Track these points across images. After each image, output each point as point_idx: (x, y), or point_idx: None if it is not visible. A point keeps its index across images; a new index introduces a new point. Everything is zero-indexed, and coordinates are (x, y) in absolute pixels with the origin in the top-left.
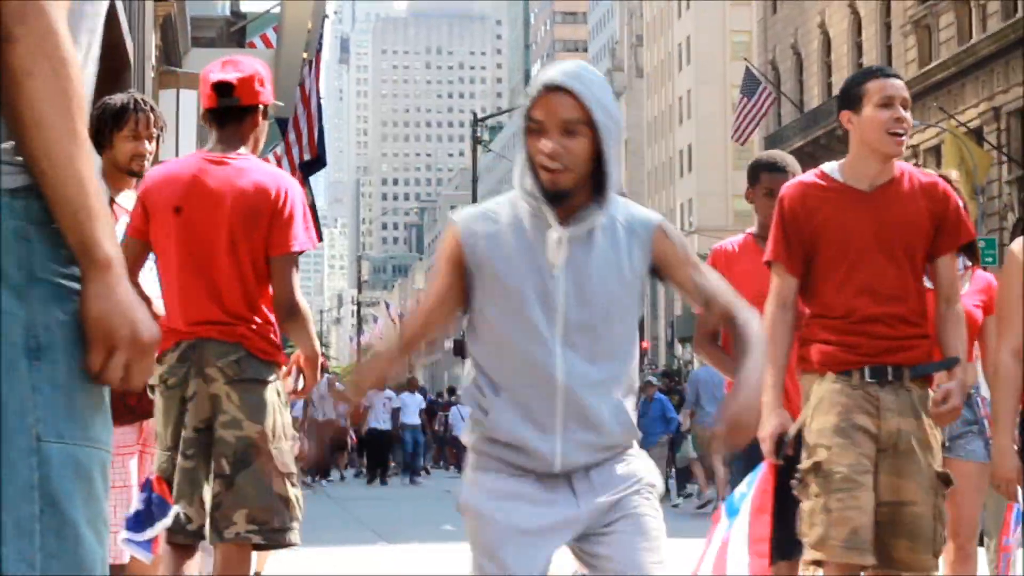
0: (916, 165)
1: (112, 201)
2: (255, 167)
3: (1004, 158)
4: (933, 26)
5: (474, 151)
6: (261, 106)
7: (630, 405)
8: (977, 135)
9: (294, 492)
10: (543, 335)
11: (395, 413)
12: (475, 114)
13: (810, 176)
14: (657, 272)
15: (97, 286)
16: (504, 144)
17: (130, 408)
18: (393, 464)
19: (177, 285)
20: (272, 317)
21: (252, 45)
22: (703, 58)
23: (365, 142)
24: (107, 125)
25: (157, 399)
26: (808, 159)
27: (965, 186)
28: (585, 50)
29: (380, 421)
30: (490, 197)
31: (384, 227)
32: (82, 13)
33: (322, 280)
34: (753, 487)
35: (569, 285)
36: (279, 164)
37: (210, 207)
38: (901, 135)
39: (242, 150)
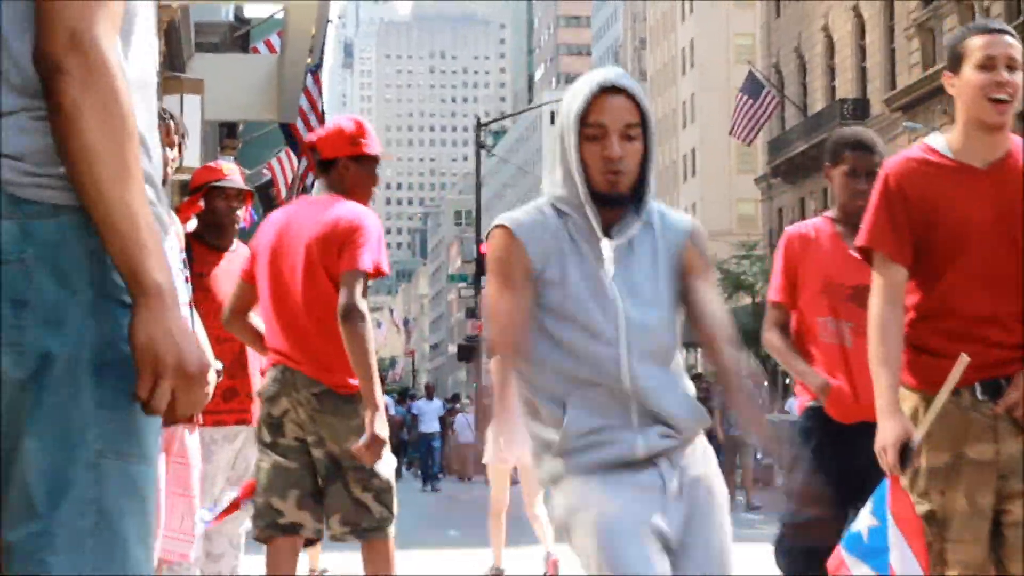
0: None
1: None
2: (337, 204)
3: None
4: (937, 28)
5: (477, 156)
6: (346, 157)
7: (692, 391)
8: None
9: (374, 497)
10: (607, 340)
11: (413, 420)
12: (479, 118)
13: (916, 151)
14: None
15: (145, 313)
16: (508, 148)
17: None
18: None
19: (270, 315)
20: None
21: (256, 50)
22: (706, 62)
23: None
24: None
25: (258, 405)
26: (811, 163)
27: None
28: (588, 53)
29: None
30: (494, 202)
31: (388, 232)
32: (134, 16)
33: None
34: (888, 516)
35: (623, 291)
36: (282, 170)
37: (293, 243)
38: (1004, 101)
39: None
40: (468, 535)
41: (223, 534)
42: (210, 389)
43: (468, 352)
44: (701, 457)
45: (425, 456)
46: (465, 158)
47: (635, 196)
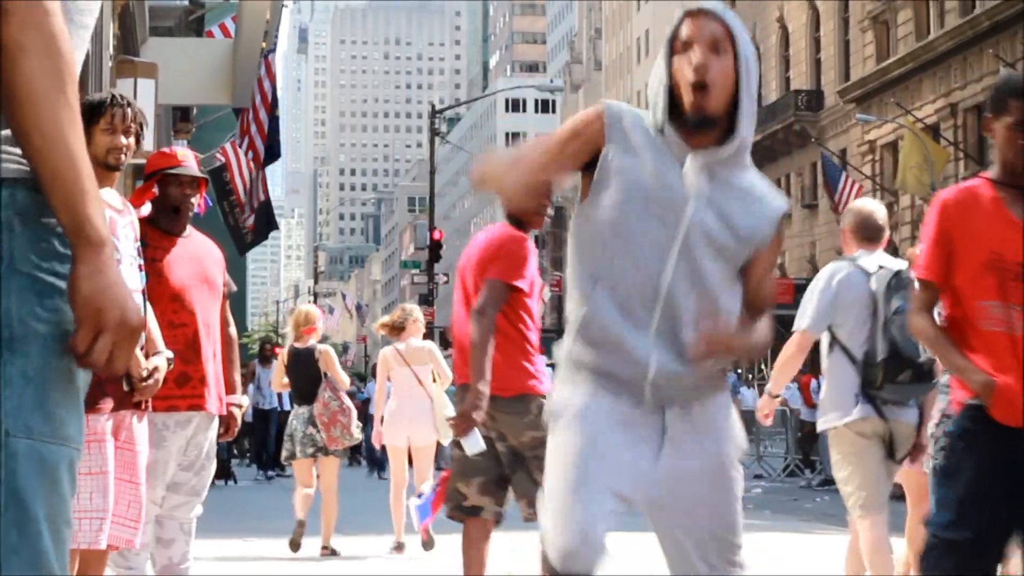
0: (872, 161)
1: None
2: (500, 230)
3: (961, 155)
4: (891, 22)
5: (432, 142)
6: None
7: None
8: (934, 131)
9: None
10: (654, 262)
11: (363, 405)
12: (433, 105)
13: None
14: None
15: (88, 265)
16: (462, 135)
17: (106, 394)
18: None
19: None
20: (521, 359)
21: (210, 35)
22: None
23: (323, 132)
24: (84, 118)
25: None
26: (765, 152)
27: (922, 182)
28: (544, 42)
29: None
30: (447, 188)
31: (341, 218)
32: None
33: (279, 271)
34: None
35: (693, 219)
36: (235, 155)
37: (468, 265)
38: None
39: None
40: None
41: (174, 519)
42: (160, 375)
43: (445, 338)
44: (721, 420)
45: (367, 440)
46: (419, 144)
47: (731, 122)
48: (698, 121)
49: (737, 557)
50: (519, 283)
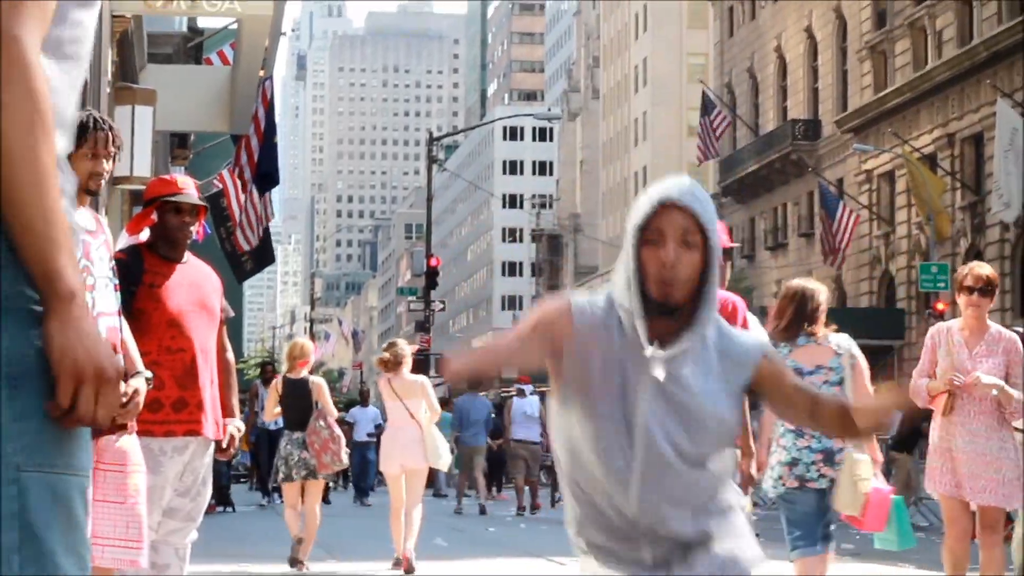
0: (869, 191)
1: None
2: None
3: (957, 184)
4: (889, 52)
5: (429, 170)
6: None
7: (716, 500)
8: (931, 161)
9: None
10: (620, 465)
11: (347, 429)
12: (431, 133)
13: None
14: (756, 391)
15: (59, 319)
16: (460, 163)
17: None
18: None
19: None
20: None
21: (209, 62)
22: (659, 80)
23: (320, 159)
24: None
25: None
26: (762, 183)
27: (923, 206)
28: (542, 70)
29: None
30: (445, 216)
31: (338, 244)
32: (63, 21)
33: (275, 297)
34: None
35: (655, 414)
36: (233, 182)
37: None
38: None
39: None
40: (455, 543)
41: (170, 544)
42: (140, 399)
43: (417, 365)
44: (725, 532)
45: (359, 467)
46: (417, 172)
47: (692, 312)
48: (664, 308)
49: None
50: None
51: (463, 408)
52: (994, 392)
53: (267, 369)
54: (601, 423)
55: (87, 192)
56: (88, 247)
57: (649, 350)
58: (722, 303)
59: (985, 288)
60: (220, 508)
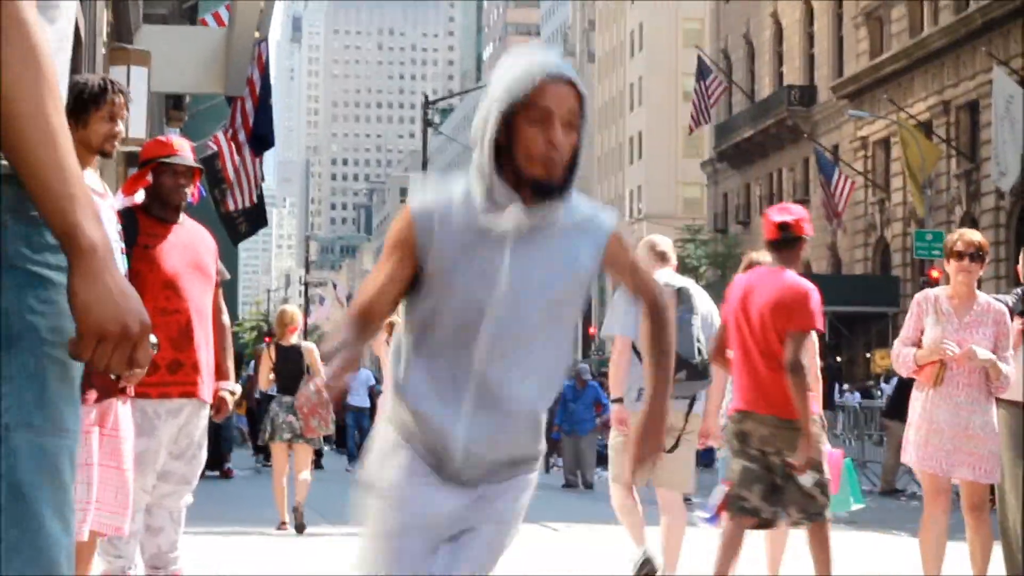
0: (864, 157)
1: None
2: (785, 278)
3: (953, 152)
4: (885, 18)
5: (424, 133)
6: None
7: (543, 417)
8: (926, 128)
9: (820, 491)
10: (473, 337)
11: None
12: (426, 96)
13: None
14: (607, 269)
15: (83, 274)
16: (455, 127)
17: (92, 385)
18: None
19: (739, 364)
20: (785, 389)
21: (204, 23)
22: (655, 45)
23: (315, 122)
24: (85, 105)
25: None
26: (757, 149)
27: (913, 179)
28: (537, 34)
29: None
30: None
31: (333, 207)
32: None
33: (270, 259)
34: None
35: (511, 286)
36: (228, 143)
37: (753, 307)
38: None
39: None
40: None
41: (164, 508)
42: (146, 363)
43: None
44: (515, 492)
45: (353, 431)
46: (412, 135)
47: (561, 187)
48: (543, 187)
49: None
50: (817, 327)
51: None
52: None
53: (267, 337)
54: (456, 301)
55: (102, 154)
56: (98, 209)
57: (506, 223)
58: (802, 291)
59: (976, 254)
60: (215, 472)
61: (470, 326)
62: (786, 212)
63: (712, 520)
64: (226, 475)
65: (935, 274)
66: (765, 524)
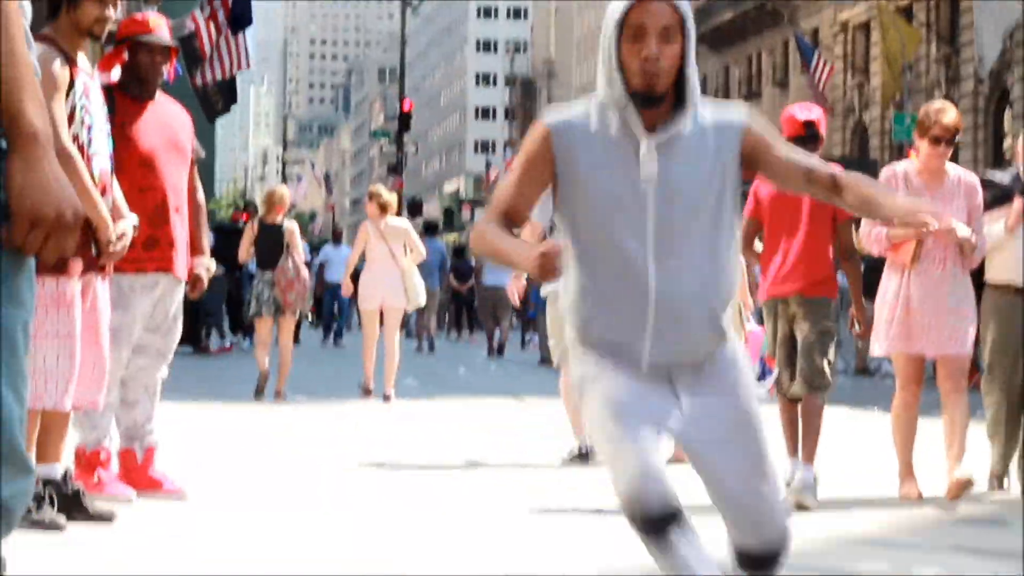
0: (844, 41)
1: (73, 62)
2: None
3: (933, 37)
4: None
5: (403, 14)
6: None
7: (726, 311)
8: (907, 12)
9: (825, 363)
10: (634, 246)
11: (320, 269)
12: None
13: None
14: (750, 164)
15: (22, 159)
16: (433, 8)
17: (75, 257)
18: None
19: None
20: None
21: None
22: None
23: (294, 2)
24: None
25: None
26: (737, 32)
27: (894, 64)
28: None
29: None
30: (418, 61)
31: (311, 87)
32: None
33: (247, 138)
34: None
35: (659, 194)
36: (206, 23)
37: (793, 199)
38: None
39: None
40: (426, 384)
41: (139, 381)
42: (127, 240)
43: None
44: (731, 374)
45: (330, 308)
46: (391, 16)
47: (677, 97)
48: (646, 100)
49: (774, 483)
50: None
51: None
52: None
53: (244, 215)
54: (610, 216)
55: (91, 36)
56: (88, 89)
57: (644, 138)
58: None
59: (951, 139)
60: (188, 348)
61: (622, 233)
62: (809, 110)
63: (762, 384)
64: (203, 350)
65: (913, 156)
66: (795, 400)
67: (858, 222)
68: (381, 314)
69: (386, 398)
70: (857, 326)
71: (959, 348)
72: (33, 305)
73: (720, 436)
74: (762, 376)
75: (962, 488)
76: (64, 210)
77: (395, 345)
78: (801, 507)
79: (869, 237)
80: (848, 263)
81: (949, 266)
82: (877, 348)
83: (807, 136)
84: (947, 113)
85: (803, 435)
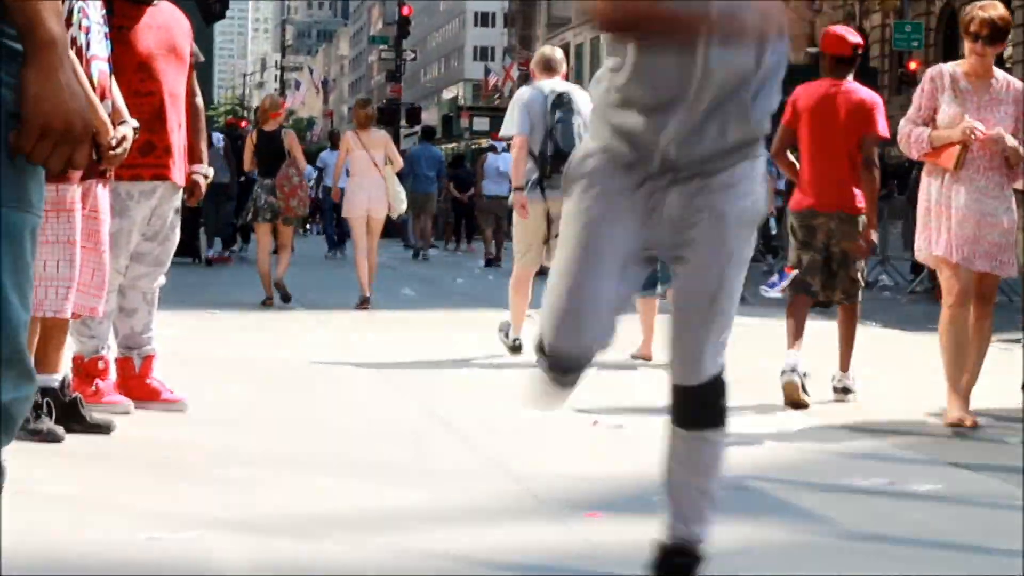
0: None
1: None
2: (856, 88)
3: None
4: None
5: None
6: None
7: (761, 123)
8: None
9: (859, 274)
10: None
11: (318, 175)
12: None
13: None
14: None
15: (38, 66)
16: None
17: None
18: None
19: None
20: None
21: None
22: None
23: None
24: None
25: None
26: None
27: None
28: None
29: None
30: None
31: None
32: None
33: (245, 43)
34: None
35: None
36: None
37: (832, 114)
38: None
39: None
40: (423, 294)
41: (137, 289)
42: (127, 144)
43: (388, 115)
44: (741, 183)
45: (329, 215)
46: None
47: None
48: None
49: (722, 337)
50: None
51: (414, 158)
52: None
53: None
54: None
55: None
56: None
57: None
58: (878, 102)
59: (993, 35)
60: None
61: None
62: (852, 34)
63: (773, 287)
64: (209, 262)
65: (913, 66)
66: (822, 304)
67: (887, 139)
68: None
69: (364, 300)
70: (863, 242)
71: (996, 267)
72: (42, 209)
73: (694, 265)
74: (780, 280)
75: (961, 424)
76: (74, 120)
77: (374, 252)
78: (798, 405)
79: (908, 138)
80: (867, 177)
81: (994, 176)
82: (923, 249)
83: (851, 58)
84: (988, 6)
85: (842, 342)
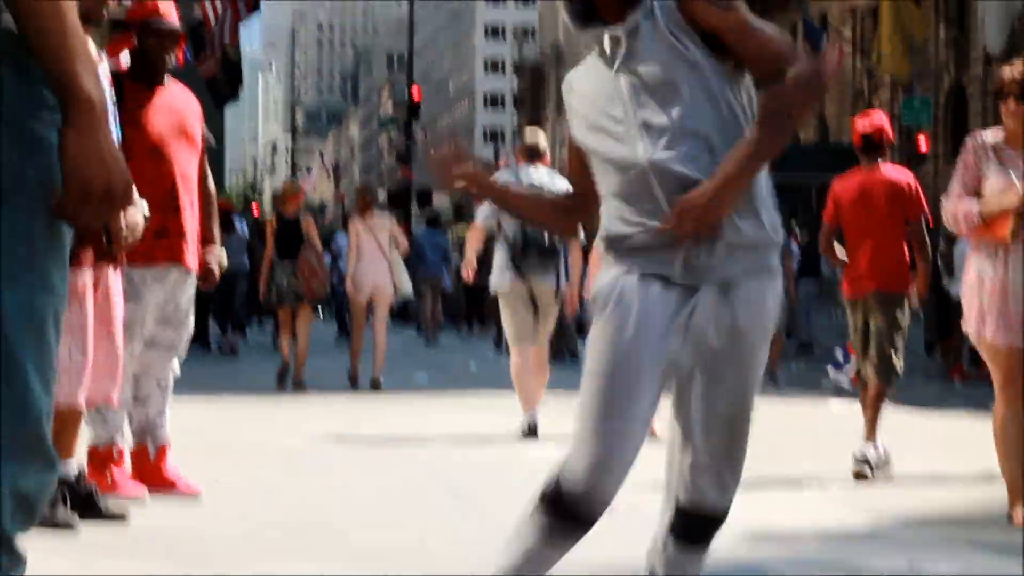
0: (852, 25)
1: None
2: (898, 173)
3: (941, 19)
4: None
5: (411, 1)
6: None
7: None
8: None
9: (892, 352)
10: (620, 132)
11: (333, 259)
12: None
13: None
14: (707, 37)
15: (77, 128)
16: None
17: (86, 247)
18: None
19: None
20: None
21: None
22: None
23: None
24: None
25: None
26: None
27: (901, 46)
28: None
29: None
30: (427, 47)
31: (319, 73)
32: None
33: (256, 127)
34: None
35: (629, 81)
36: (214, 10)
37: (873, 199)
38: None
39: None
40: (435, 379)
41: (151, 375)
42: (139, 231)
43: (399, 198)
44: (758, 301)
45: (342, 300)
46: (399, 3)
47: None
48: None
49: (736, 470)
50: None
51: (420, 243)
52: None
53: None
54: (593, 108)
55: (89, 20)
56: (98, 68)
57: (606, 32)
58: (916, 184)
59: (1020, 94)
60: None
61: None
62: (871, 119)
63: (838, 369)
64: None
65: (924, 148)
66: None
67: (929, 218)
68: (370, 305)
69: (375, 384)
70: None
71: None
72: (65, 294)
73: (714, 373)
74: (844, 362)
75: None
76: (115, 183)
77: (383, 334)
78: (860, 476)
79: (956, 215)
80: (923, 255)
81: None
82: (972, 328)
83: (878, 143)
84: (1009, 67)
85: (867, 416)
